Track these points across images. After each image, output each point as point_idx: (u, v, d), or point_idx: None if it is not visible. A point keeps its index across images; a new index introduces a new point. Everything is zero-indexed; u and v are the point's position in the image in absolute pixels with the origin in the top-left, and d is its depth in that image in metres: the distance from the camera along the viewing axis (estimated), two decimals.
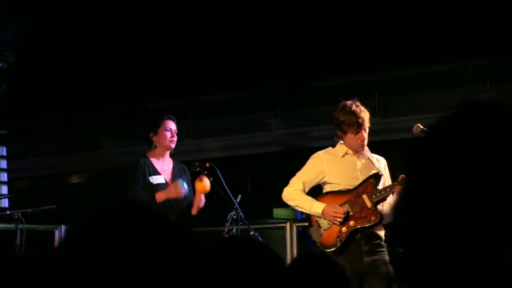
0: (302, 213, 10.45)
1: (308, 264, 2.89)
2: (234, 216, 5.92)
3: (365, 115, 5.22)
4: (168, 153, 6.00)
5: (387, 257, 5.20)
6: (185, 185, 5.79)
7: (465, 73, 9.00)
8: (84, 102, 10.69)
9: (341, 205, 5.21)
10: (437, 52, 8.73)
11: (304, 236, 7.61)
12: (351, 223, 5.19)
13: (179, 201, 5.86)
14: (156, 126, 5.98)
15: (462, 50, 8.58)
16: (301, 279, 2.83)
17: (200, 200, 5.85)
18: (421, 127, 5.19)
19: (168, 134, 5.93)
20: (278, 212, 10.87)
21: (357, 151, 5.29)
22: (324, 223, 5.24)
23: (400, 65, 9.16)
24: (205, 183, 5.81)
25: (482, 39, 8.41)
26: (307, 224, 5.79)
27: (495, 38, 8.31)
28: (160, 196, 5.77)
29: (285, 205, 9.72)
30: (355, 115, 5.18)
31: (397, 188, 5.11)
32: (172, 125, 5.97)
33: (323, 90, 9.81)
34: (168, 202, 5.81)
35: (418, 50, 8.83)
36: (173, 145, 5.97)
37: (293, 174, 5.52)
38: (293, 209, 10.68)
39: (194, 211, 5.87)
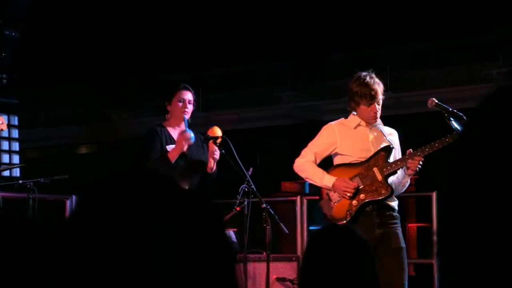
0: (310, 186, 10.51)
1: (331, 236, 2.89)
2: (246, 189, 5.93)
3: (378, 87, 5.21)
4: (183, 122, 5.97)
5: (399, 229, 5.21)
6: (191, 133, 5.81)
7: (477, 47, 8.94)
8: (95, 72, 10.68)
9: (351, 178, 5.21)
10: (450, 27, 8.67)
11: (312, 209, 7.64)
12: (362, 196, 5.19)
13: (192, 166, 5.85)
14: (171, 95, 5.99)
15: (475, 25, 8.52)
16: (324, 252, 2.83)
17: (214, 151, 5.83)
18: (436, 101, 5.19)
19: (181, 104, 5.92)
20: (286, 185, 10.86)
21: (369, 123, 5.28)
22: (334, 196, 5.25)
23: (413, 40, 9.11)
24: (214, 129, 5.86)
25: (494, 14, 8.35)
26: (317, 197, 5.79)
27: (508, 13, 8.25)
28: (172, 154, 5.78)
29: (294, 179, 9.77)
30: (368, 86, 5.17)
31: (409, 163, 5.11)
32: (186, 95, 5.96)
33: (334, 63, 9.77)
34: (183, 162, 5.80)
35: (430, 25, 8.77)
36: (186, 116, 5.95)
37: (303, 148, 5.52)
38: (301, 183, 10.73)
39: (210, 164, 5.88)
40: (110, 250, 1.12)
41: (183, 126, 5.97)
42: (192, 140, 5.81)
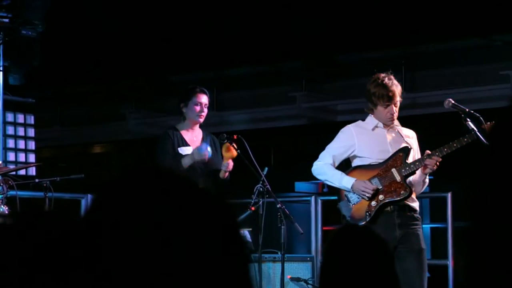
0: (324, 187, 10.50)
1: (350, 236, 2.88)
2: (261, 189, 5.93)
3: (396, 88, 5.20)
4: (197, 125, 6.02)
5: (420, 230, 5.20)
6: (209, 149, 5.82)
7: (494, 48, 8.91)
8: (110, 73, 10.71)
9: (370, 179, 5.20)
10: (466, 26, 8.65)
11: (326, 209, 7.63)
12: (380, 196, 5.18)
13: (206, 166, 5.88)
14: (187, 98, 5.99)
15: (491, 25, 8.49)
16: (343, 252, 2.82)
17: (228, 164, 5.87)
18: (453, 102, 5.18)
19: (198, 108, 5.94)
20: (300, 185, 10.87)
21: (387, 124, 5.27)
22: (353, 197, 5.24)
23: (428, 40, 9.09)
24: (231, 150, 5.85)
25: (510, 13, 8.32)
26: (333, 197, 5.79)
27: None
28: (185, 161, 5.81)
29: (307, 179, 9.77)
30: (386, 88, 5.16)
31: (427, 161, 5.10)
32: (203, 99, 5.97)
33: (349, 64, 9.76)
34: (195, 167, 5.83)
35: (446, 25, 8.74)
36: (201, 120, 5.99)
37: (317, 148, 5.52)
38: (315, 183, 10.73)
39: (222, 174, 5.91)
40: (124, 247, 1.11)
41: (196, 128, 5.99)
42: (208, 157, 5.84)
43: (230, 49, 9.77)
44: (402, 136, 5.32)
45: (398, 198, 5.15)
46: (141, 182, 1.17)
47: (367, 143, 5.28)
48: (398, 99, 5.22)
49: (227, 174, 5.92)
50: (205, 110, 5.99)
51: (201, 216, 1.15)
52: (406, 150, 5.25)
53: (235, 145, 5.85)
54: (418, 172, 5.21)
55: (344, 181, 5.22)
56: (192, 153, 5.84)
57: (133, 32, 9.63)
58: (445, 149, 5.11)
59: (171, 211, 1.13)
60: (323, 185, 10.44)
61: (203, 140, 6.02)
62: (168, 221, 1.12)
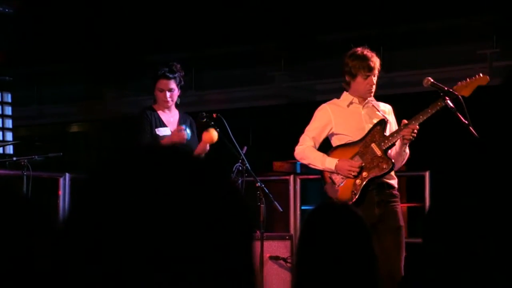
0: (302, 166, 10.52)
1: (327, 214, 2.88)
2: (240, 168, 5.92)
3: (376, 60, 5.21)
4: (173, 105, 5.91)
5: (398, 208, 5.22)
6: (188, 130, 5.75)
7: (471, 27, 8.94)
8: (88, 51, 10.63)
9: (351, 158, 5.20)
10: (443, 6, 8.67)
11: (304, 188, 7.66)
12: (364, 174, 5.18)
13: (183, 147, 5.82)
14: (152, 83, 5.83)
15: (469, 5, 8.52)
16: (321, 230, 2.83)
17: (204, 149, 5.82)
18: (432, 80, 5.18)
19: (161, 95, 5.75)
20: (278, 165, 10.89)
21: (365, 97, 5.26)
22: (337, 178, 5.23)
23: (406, 20, 9.10)
24: (213, 134, 5.76)
25: None
26: (310, 177, 5.79)
27: None
28: (164, 142, 5.72)
29: (286, 158, 9.78)
30: (366, 58, 5.17)
31: (404, 131, 5.09)
32: (165, 85, 5.74)
33: (328, 43, 9.75)
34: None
35: (423, 4, 8.76)
36: (168, 105, 5.80)
37: (296, 128, 5.52)
38: (293, 163, 10.75)
39: (198, 150, 5.80)
40: (127, 229, 1.06)
41: (173, 108, 5.89)
42: (187, 139, 5.76)
43: (209, 28, 9.73)
44: (378, 110, 5.33)
45: (382, 173, 5.16)
46: (142, 160, 1.12)
47: (343, 120, 5.28)
48: (377, 71, 5.23)
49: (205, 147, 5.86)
50: (171, 94, 5.76)
51: (208, 190, 1.11)
52: (383, 123, 5.24)
53: (215, 129, 5.78)
54: (398, 143, 5.21)
55: (327, 162, 5.22)
56: (172, 135, 5.77)
57: (111, 11, 9.55)
58: (421, 116, 5.09)
59: (176, 187, 1.09)
60: (301, 164, 10.47)
61: (180, 121, 5.94)
62: (175, 196, 1.08)
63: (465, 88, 5.10)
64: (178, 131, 5.73)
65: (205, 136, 5.80)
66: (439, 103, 5.07)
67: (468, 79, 5.13)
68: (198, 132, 5.92)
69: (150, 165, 1.11)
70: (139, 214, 1.06)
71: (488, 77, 5.17)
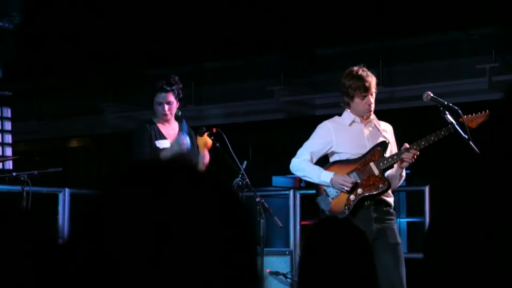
0: (301, 181, 10.50)
1: (329, 228, 2.88)
2: (240, 182, 5.92)
3: (371, 79, 5.23)
4: (172, 118, 5.92)
5: (395, 225, 5.24)
6: (188, 139, 5.75)
7: (471, 41, 8.95)
8: (87, 66, 10.63)
9: (348, 174, 5.22)
10: (442, 20, 8.68)
11: (304, 203, 7.64)
12: (359, 190, 5.20)
13: (185, 159, 5.79)
14: (152, 96, 5.86)
15: (468, 19, 8.53)
16: (323, 243, 2.83)
17: (204, 156, 5.80)
18: (432, 95, 5.20)
19: (159, 108, 5.78)
20: (277, 180, 10.87)
21: (365, 118, 5.28)
22: (332, 191, 5.25)
23: (405, 34, 9.11)
24: (205, 138, 5.78)
25: (488, 7, 8.36)
26: (310, 191, 5.78)
27: (501, 6, 8.26)
28: (165, 155, 5.72)
29: (285, 173, 9.76)
30: (362, 79, 5.19)
31: (404, 155, 5.12)
32: (164, 98, 5.77)
33: (327, 57, 9.76)
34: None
35: (423, 18, 8.78)
36: (167, 117, 5.82)
37: (295, 142, 5.52)
38: (293, 178, 10.72)
39: (200, 167, 5.79)
40: (134, 244, 1.07)
41: (172, 120, 5.90)
42: (188, 147, 5.77)
43: (208, 43, 9.75)
44: (380, 131, 5.35)
45: (377, 192, 5.18)
46: (149, 176, 1.13)
47: (345, 139, 5.29)
48: (374, 90, 5.24)
49: (204, 168, 5.86)
50: (169, 107, 5.78)
51: (215, 204, 1.12)
52: (384, 145, 5.27)
53: (214, 142, 5.78)
54: (395, 165, 5.24)
55: (322, 176, 5.23)
56: (172, 145, 5.77)
57: (111, 25, 9.57)
58: (423, 142, 5.14)
59: (186, 203, 1.10)
60: (300, 179, 10.44)
61: (180, 132, 5.94)
62: (185, 213, 1.09)
63: (471, 121, 5.13)
64: (176, 140, 5.73)
65: (199, 141, 5.81)
66: (442, 132, 5.10)
67: (474, 114, 5.16)
68: None
69: (156, 180, 1.11)
70: (146, 229, 1.07)
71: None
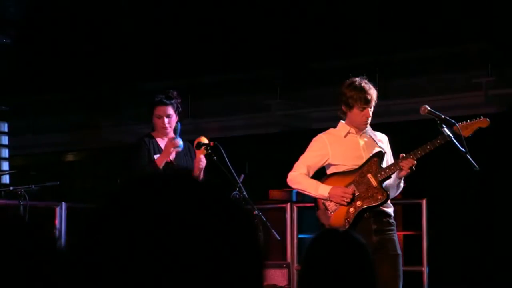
0: (298, 194, 10.49)
1: (329, 241, 2.88)
2: (237, 196, 5.91)
3: (373, 92, 5.22)
4: (171, 132, 5.92)
5: (395, 236, 5.21)
6: (180, 141, 5.74)
7: (466, 56, 8.98)
8: (83, 81, 10.64)
9: (346, 186, 5.20)
10: (438, 35, 8.72)
11: (301, 216, 7.63)
12: (358, 203, 5.18)
13: (180, 165, 5.78)
14: (149, 110, 5.86)
15: (464, 33, 8.57)
16: (323, 255, 2.83)
17: (200, 160, 5.78)
18: (429, 108, 5.20)
19: (159, 122, 5.78)
20: (274, 193, 10.86)
21: (360, 128, 5.28)
22: (331, 205, 5.23)
23: (401, 48, 9.14)
24: (202, 138, 5.77)
25: (483, 22, 8.40)
26: (307, 205, 5.78)
27: (496, 21, 8.30)
28: (159, 160, 5.70)
29: (282, 187, 9.75)
30: (364, 91, 5.17)
31: (401, 163, 5.11)
32: (163, 111, 5.77)
33: (324, 71, 9.78)
34: (170, 166, 5.73)
35: (419, 33, 8.81)
36: (167, 131, 5.81)
37: (292, 156, 5.51)
38: (289, 191, 10.71)
39: (195, 172, 5.78)
40: (135, 257, 1.07)
41: (171, 135, 5.90)
42: (181, 148, 5.75)
43: (205, 56, 9.76)
44: (375, 141, 5.33)
45: (376, 204, 5.16)
46: (152, 187, 1.13)
47: (341, 151, 5.28)
48: (374, 103, 5.25)
49: (201, 174, 5.84)
50: (169, 120, 5.79)
51: (221, 216, 1.12)
52: (380, 155, 5.26)
53: (212, 156, 5.76)
54: (393, 175, 5.23)
55: (320, 189, 5.21)
56: (165, 147, 5.75)
57: (106, 40, 9.58)
58: (419, 152, 5.13)
59: (190, 215, 1.09)
60: (297, 193, 10.43)
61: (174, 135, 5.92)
62: (188, 225, 1.09)
63: (465, 129, 5.13)
64: (170, 139, 5.72)
65: (199, 153, 5.79)
66: (438, 141, 5.10)
67: (469, 121, 5.17)
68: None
69: (157, 194, 1.11)
70: (147, 242, 1.07)
71: (488, 120, 5.21)
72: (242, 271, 1.11)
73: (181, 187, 1.13)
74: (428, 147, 5.11)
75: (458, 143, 5.07)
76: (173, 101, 5.80)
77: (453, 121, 5.14)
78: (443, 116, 5.16)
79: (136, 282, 1.06)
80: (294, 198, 10.60)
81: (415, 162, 5.12)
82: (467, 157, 5.02)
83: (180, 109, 5.92)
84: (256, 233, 1.16)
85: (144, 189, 1.13)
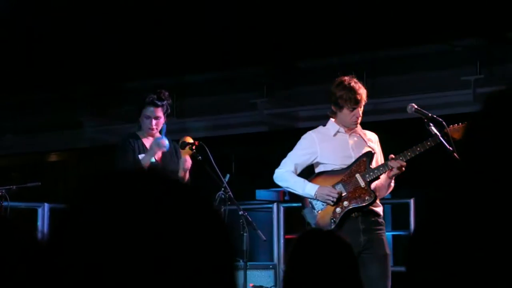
0: (285, 194, 10.44)
1: (314, 241, 2.87)
2: (223, 196, 5.85)
3: (363, 92, 5.18)
4: (157, 133, 5.88)
5: (384, 235, 5.18)
6: (167, 141, 5.69)
7: (455, 53, 8.94)
8: (65, 80, 10.53)
9: (334, 186, 5.16)
10: (426, 32, 8.66)
11: (288, 217, 7.57)
12: (345, 203, 5.15)
13: (166, 165, 5.75)
14: (139, 109, 5.83)
15: (452, 31, 8.52)
16: (307, 256, 2.82)
17: (185, 161, 5.72)
18: (416, 107, 5.17)
19: (147, 122, 5.76)
20: (261, 193, 10.81)
21: (350, 128, 5.24)
22: (318, 204, 5.19)
23: (389, 46, 9.09)
24: (187, 138, 5.73)
25: (471, 20, 8.35)
26: (294, 204, 5.72)
27: (484, 19, 8.25)
28: (145, 159, 5.67)
29: (268, 186, 9.69)
30: (353, 91, 5.14)
31: (391, 163, 5.08)
32: (153, 112, 5.75)
33: (310, 70, 9.73)
34: (156, 166, 5.70)
35: (406, 30, 8.75)
36: (153, 132, 5.79)
37: (279, 155, 5.45)
38: (276, 191, 10.67)
39: (181, 173, 5.75)
40: (108, 256, 1.06)
41: (156, 135, 5.86)
42: (166, 148, 5.70)
43: (190, 55, 9.68)
44: (365, 141, 5.31)
45: (363, 204, 5.13)
46: (123, 184, 1.12)
47: (330, 150, 5.24)
48: (363, 102, 5.21)
49: (187, 174, 5.77)
50: (159, 121, 5.79)
51: (190, 214, 1.10)
52: (369, 155, 5.23)
53: (197, 156, 5.72)
54: (383, 176, 5.20)
55: (307, 188, 5.17)
56: (151, 146, 5.72)
57: (89, 38, 9.48)
58: (409, 153, 5.11)
59: (159, 212, 1.08)
60: (284, 192, 10.38)
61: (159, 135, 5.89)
62: (156, 223, 1.07)
63: (456, 132, 5.09)
64: (155, 140, 5.68)
65: (182, 152, 5.74)
66: (428, 143, 5.07)
67: (460, 124, 5.13)
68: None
69: (129, 191, 1.10)
70: (118, 240, 1.06)
71: None
72: (210, 270, 1.09)
73: (148, 185, 1.12)
74: (418, 149, 5.10)
75: (446, 142, 5.03)
76: (164, 103, 5.80)
77: (440, 119, 5.10)
78: (430, 115, 5.14)
79: (103, 280, 1.05)
80: (281, 198, 10.56)
81: (405, 163, 5.10)
82: (454, 155, 4.98)
83: (169, 111, 5.92)
84: (224, 230, 1.14)
85: (109, 187, 1.12)
